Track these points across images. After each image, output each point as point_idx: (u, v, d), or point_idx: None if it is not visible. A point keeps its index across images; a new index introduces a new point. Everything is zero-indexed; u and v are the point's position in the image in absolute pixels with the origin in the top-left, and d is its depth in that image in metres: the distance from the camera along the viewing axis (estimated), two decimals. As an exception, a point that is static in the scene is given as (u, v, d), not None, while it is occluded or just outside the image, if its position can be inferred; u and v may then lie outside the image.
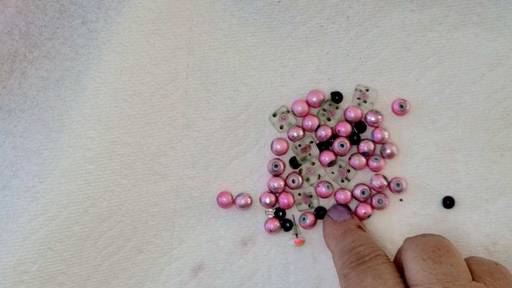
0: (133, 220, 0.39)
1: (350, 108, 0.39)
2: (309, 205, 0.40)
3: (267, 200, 0.39)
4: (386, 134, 0.39)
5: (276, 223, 0.39)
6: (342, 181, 0.40)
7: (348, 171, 0.40)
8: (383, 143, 0.39)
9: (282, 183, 0.39)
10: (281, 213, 0.40)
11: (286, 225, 0.40)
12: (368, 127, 0.40)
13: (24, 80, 0.38)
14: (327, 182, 0.39)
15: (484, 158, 0.39)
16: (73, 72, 0.38)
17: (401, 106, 0.39)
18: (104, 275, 0.39)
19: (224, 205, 0.39)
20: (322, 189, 0.39)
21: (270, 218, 0.40)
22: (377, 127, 0.39)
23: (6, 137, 0.38)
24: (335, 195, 0.40)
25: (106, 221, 0.39)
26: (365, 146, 0.39)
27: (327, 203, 0.40)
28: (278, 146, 0.39)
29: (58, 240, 0.38)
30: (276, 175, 0.40)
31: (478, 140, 0.39)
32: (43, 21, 0.38)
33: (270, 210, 0.40)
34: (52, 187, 0.38)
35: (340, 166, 0.40)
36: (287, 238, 0.40)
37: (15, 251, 0.37)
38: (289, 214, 0.40)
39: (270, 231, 0.39)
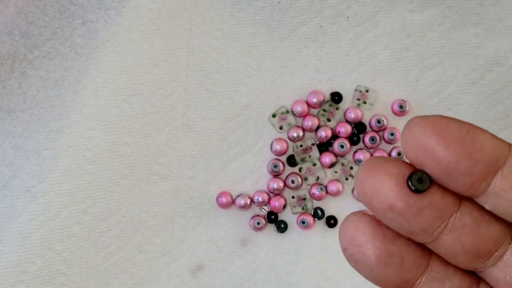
0: (132, 220, 0.39)
1: (350, 109, 0.39)
2: (302, 208, 0.40)
3: (259, 199, 0.39)
4: (396, 135, 0.39)
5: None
6: (347, 178, 0.40)
7: (351, 168, 0.40)
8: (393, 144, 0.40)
9: (281, 184, 0.39)
10: (273, 217, 0.40)
11: (281, 226, 0.40)
12: (371, 127, 0.40)
13: (24, 80, 0.38)
14: (320, 184, 0.40)
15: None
16: (73, 72, 0.38)
17: (401, 107, 0.39)
18: (104, 275, 0.39)
19: (224, 206, 0.39)
20: (316, 192, 0.39)
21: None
22: (384, 129, 0.40)
23: (6, 137, 0.38)
24: (327, 187, 0.40)
25: (106, 221, 0.39)
26: (370, 136, 0.39)
27: (324, 205, 0.40)
28: (277, 147, 0.39)
29: (58, 240, 0.38)
30: (276, 175, 0.40)
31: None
32: (43, 21, 0.38)
33: (265, 208, 0.40)
34: (52, 187, 0.38)
35: (343, 164, 0.40)
36: (286, 238, 0.40)
37: (15, 251, 0.37)
38: (283, 217, 0.40)
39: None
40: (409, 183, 0.19)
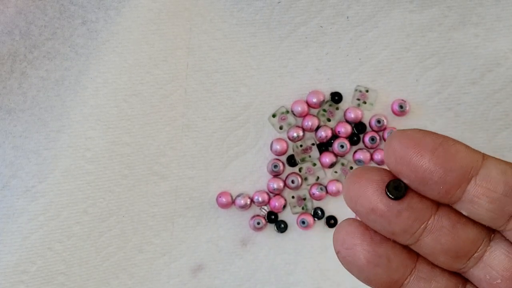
0: (132, 220, 0.39)
1: (350, 109, 0.39)
2: (302, 208, 0.40)
3: (259, 199, 0.39)
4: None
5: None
6: None
7: (351, 168, 0.40)
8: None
9: (281, 184, 0.39)
10: (273, 217, 0.40)
11: (281, 226, 0.40)
12: (371, 127, 0.40)
13: (24, 80, 0.38)
14: (320, 184, 0.40)
15: (484, 159, 0.39)
16: (73, 72, 0.38)
17: (401, 107, 0.39)
18: (104, 275, 0.39)
19: (224, 206, 0.39)
20: (316, 192, 0.39)
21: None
22: (384, 129, 0.40)
23: (6, 137, 0.38)
24: (327, 187, 0.40)
25: (106, 221, 0.39)
26: (370, 136, 0.39)
27: (324, 205, 0.40)
28: (277, 147, 0.39)
29: (58, 240, 0.38)
30: (276, 175, 0.40)
31: (478, 140, 0.39)
32: (43, 21, 0.38)
33: (265, 208, 0.40)
34: (52, 187, 0.38)
35: (343, 164, 0.40)
36: (286, 238, 0.40)
37: (15, 251, 0.37)
38: (283, 217, 0.40)
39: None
40: (387, 191, 0.21)
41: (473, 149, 0.21)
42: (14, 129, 0.38)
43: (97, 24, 0.38)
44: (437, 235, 0.22)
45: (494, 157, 0.21)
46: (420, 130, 0.21)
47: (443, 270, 0.23)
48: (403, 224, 0.22)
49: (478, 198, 0.21)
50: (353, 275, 0.23)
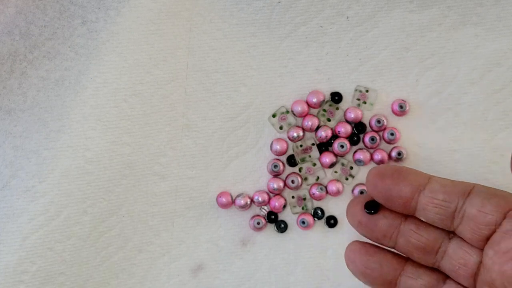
0: (133, 220, 0.39)
1: (350, 109, 0.39)
2: (302, 208, 0.40)
3: (259, 199, 0.39)
4: (396, 135, 0.39)
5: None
6: (347, 178, 0.40)
7: (351, 168, 0.40)
8: (393, 144, 0.40)
9: (281, 184, 0.39)
10: (273, 217, 0.40)
11: (281, 226, 0.40)
12: (371, 127, 0.40)
13: (24, 80, 0.38)
14: (320, 184, 0.40)
15: (484, 158, 0.39)
16: (73, 72, 0.38)
17: (401, 107, 0.39)
18: (104, 275, 0.39)
19: (224, 206, 0.39)
20: (316, 192, 0.39)
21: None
22: (384, 129, 0.39)
23: (6, 137, 0.38)
24: (327, 187, 0.40)
25: (106, 221, 0.39)
26: (370, 136, 0.39)
27: (324, 205, 0.40)
28: (277, 147, 0.39)
29: (58, 240, 0.38)
30: (276, 175, 0.40)
31: (478, 140, 0.39)
32: (43, 21, 0.38)
33: (265, 208, 0.40)
34: (52, 187, 0.38)
35: (343, 164, 0.40)
36: (286, 238, 0.40)
37: (15, 251, 0.37)
38: (283, 217, 0.40)
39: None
40: (364, 209, 0.31)
41: (422, 172, 0.30)
42: (14, 129, 0.38)
43: (97, 24, 0.38)
44: (407, 236, 0.30)
45: (438, 177, 0.29)
46: (385, 165, 0.32)
47: (426, 269, 0.31)
48: (381, 230, 0.30)
49: (427, 205, 0.29)
50: (359, 279, 0.32)
